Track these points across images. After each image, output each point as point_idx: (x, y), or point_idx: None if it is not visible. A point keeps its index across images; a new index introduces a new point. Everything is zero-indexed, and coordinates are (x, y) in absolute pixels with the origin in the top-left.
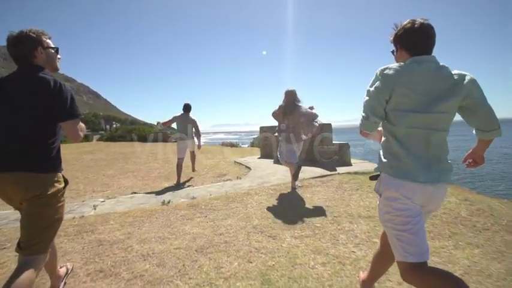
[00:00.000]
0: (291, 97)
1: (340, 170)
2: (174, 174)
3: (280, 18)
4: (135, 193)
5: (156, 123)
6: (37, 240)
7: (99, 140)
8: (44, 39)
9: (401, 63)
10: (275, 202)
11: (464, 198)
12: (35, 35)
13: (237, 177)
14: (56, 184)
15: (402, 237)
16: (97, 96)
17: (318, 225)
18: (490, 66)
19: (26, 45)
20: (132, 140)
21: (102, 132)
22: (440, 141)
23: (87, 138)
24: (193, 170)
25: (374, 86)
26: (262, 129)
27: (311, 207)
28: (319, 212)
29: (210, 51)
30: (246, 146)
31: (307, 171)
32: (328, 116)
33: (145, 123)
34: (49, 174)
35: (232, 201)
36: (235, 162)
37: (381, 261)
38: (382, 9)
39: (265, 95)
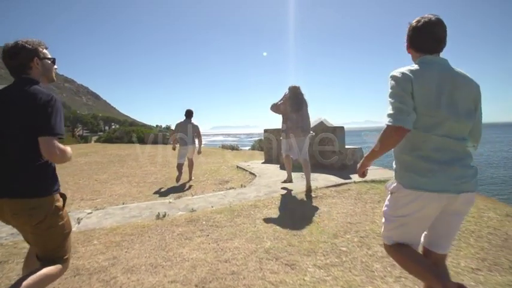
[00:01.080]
0: (297, 91)
1: (355, 177)
2: (171, 181)
3: (281, 19)
4: (127, 204)
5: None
6: (54, 255)
7: (96, 141)
8: (41, 49)
9: (412, 66)
10: (288, 217)
11: (505, 214)
12: (31, 46)
13: (241, 185)
14: (56, 204)
15: (393, 229)
16: (96, 97)
17: (344, 249)
18: (491, 69)
19: (21, 56)
20: (130, 141)
21: (101, 133)
22: (461, 148)
23: (85, 140)
24: (190, 178)
25: (393, 87)
26: (267, 131)
27: (331, 225)
28: (341, 230)
29: (210, 52)
30: (247, 148)
31: (319, 179)
32: (327, 118)
33: (144, 125)
34: (47, 198)
35: (237, 216)
36: (237, 167)
37: None
38: (385, 10)
39: (265, 96)
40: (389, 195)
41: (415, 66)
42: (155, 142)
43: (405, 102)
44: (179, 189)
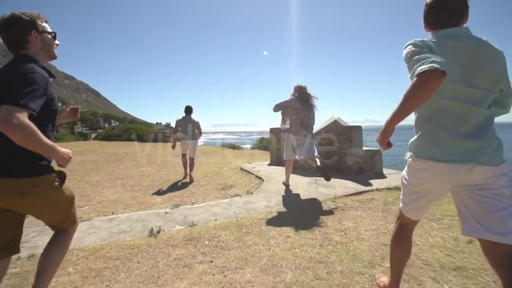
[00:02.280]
0: (304, 91)
1: (376, 184)
2: (169, 184)
3: (281, 18)
4: (116, 214)
5: (156, 123)
6: (60, 222)
7: (95, 139)
8: (39, 22)
9: (431, 38)
10: (308, 235)
11: None
12: (28, 18)
13: (248, 192)
14: (53, 183)
15: (406, 195)
16: (96, 94)
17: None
18: None
19: (18, 29)
20: (129, 139)
21: (101, 130)
22: (482, 118)
23: (85, 137)
24: (191, 180)
25: (412, 49)
26: (273, 131)
27: (363, 247)
28: (377, 255)
29: (210, 50)
30: (248, 147)
31: (336, 186)
32: (326, 117)
33: (144, 122)
34: (44, 176)
35: (246, 233)
36: (241, 169)
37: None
38: (385, 10)
39: (265, 95)
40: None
41: (433, 38)
42: (155, 140)
43: (430, 53)
44: (177, 194)
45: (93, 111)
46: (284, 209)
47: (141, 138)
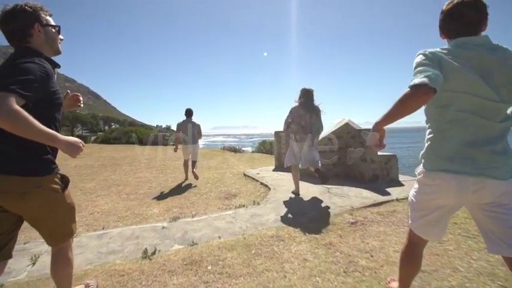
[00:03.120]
0: (309, 95)
1: (394, 193)
2: (168, 191)
3: (282, 19)
4: (108, 228)
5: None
6: (57, 233)
7: (94, 142)
8: (43, 15)
9: (441, 48)
10: (329, 258)
11: None
12: (31, 10)
13: (254, 202)
14: (52, 186)
15: (414, 211)
16: (97, 97)
17: None
18: None
19: (20, 21)
20: (128, 142)
21: (101, 133)
22: (495, 130)
23: (85, 140)
24: (196, 177)
25: (419, 60)
26: (278, 134)
27: (394, 275)
28: (415, 286)
29: (210, 52)
30: (249, 150)
31: (351, 195)
32: (328, 119)
33: (144, 125)
34: (31, 178)
35: (256, 255)
36: (245, 175)
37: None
38: (385, 11)
39: (265, 97)
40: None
41: (446, 47)
42: (155, 143)
43: (432, 67)
44: (176, 204)
45: (93, 113)
46: (297, 224)
47: (141, 141)
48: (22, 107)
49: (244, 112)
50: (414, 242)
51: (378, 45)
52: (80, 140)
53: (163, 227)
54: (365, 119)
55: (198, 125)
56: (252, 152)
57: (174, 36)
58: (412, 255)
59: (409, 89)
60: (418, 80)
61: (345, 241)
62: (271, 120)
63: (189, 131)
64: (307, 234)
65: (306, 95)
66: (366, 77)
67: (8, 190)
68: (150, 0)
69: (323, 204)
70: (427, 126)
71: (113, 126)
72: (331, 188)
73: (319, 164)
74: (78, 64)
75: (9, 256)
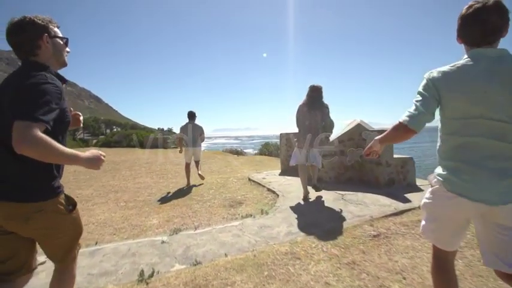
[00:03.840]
0: (317, 93)
1: (414, 199)
2: (169, 198)
3: (281, 20)
4: (101, 244)
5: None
6: (60, 255)
7: (94, 145)
8: (52, 27)
9: (452, 65)
10: (355, 282)
11: None
12: (40, 22)
13: (262, 211)
14: (58, 206)
15: (428, 219)
16: (98, 100)
17: None
18: None
19: (29, 33)
20: (129, 145)
21: (102, 136)
22: (508, 153)
23: (86, 143)
24: (202, 177)
25: (420, 87)
26: (283, 136)
27: None
28: None
29: (210, 54)
30: (251, 151)
31: (368, 203)
32: (348, 119)
33: (145, 128)
34: (49, 201)
35: (269, 277)
36: (250, 180)
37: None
38: (384, 12)
39: (266, 98)
40: (430, 188)
41: (455, 66)
42: (155, 146)
43: (422, 104)
44: (178, 213)
45: (94, 117)
46: (312, 237)
47: (141, 144)
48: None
49: (245, 114)
50: (438, 256)
51: (378, 44)
52: (100, 152)
53: (162, 242)
54: (369, 119)
55: (201, 127)
56: (255, 154)
57: (175, 39)
58: (442, 271)
59: (398, 122)
60: (403, 117)
61: (370, 259)
62: (272, 121)
63: (189, 133)
64: (325, 250)
65: (312, 92)
66: (364, 78)
67: (13, 217)
68: (151, 3)
69: (339, 214)
70: (440, 144)
71: (115, 130)
72: (345, 195)
73: (320, 165)
74: (79, 68)
75: (31, 269)
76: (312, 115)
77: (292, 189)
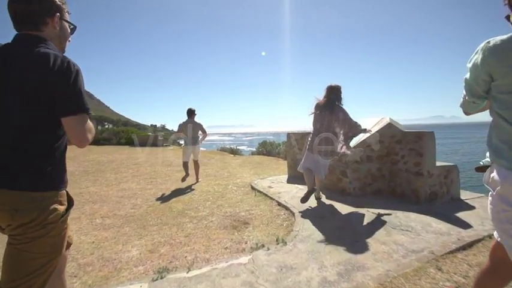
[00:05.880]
0: (330, 93)
1: (473, 221)
2: (156, 211)
3: (278, 17)
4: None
5: (150, 125)
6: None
7: None
8: (65, 10)
9: (509, 34)
10: None
11: None
12: (57, 1)
13: (277, 239)
14: (55, 206)
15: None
16: (90, 96)
17: None
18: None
19: (43, 5)
20: (119, 143)
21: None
22: None
23: None
24: (197, 180)
25: (472, 62)
26: (290, 136)
27: None
28: None
29: (205, 51)
30: (245, 148)
31: (419, 230)
32: (374, 117)
33: (138, 124)
34: (46, 193)
35: None
36: (253, 188)
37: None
38: (382, 10)
39: (260, 95)
40: (493, 193)
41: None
42: (143, 145)
43: (472, 88)
44: (166, 237)
45: None
46: None
47: (132, 143)
48: None
49: (239, 111)
50: (500, 257)
51: (377, 43)
52: None
53: (151, 278)
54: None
55: (200, 124)
56: (252, 153)
57: (169, 35)
58: (501, 270)
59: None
60: (461, 104)
61: None
62: (267, 119)
63: (189, 131)
64: None
65: (326, 92)
66: (363, 76)
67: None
68: None
69: (384, 246)
70: (494, 119)
71: (106, 126)
72: (382, 215)
73: (322, 177)
74: None
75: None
76: (324, 119)
77: (310, 203)
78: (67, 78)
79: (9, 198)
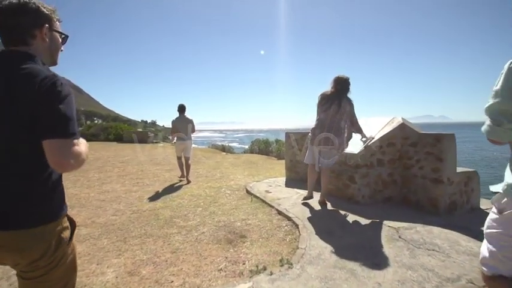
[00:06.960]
0: (340, 85)
1: None
2: (140, 220)
3: (274, 16)
4: None
5: (140, 121)
6: None
7: None
8: (55, 19)
9: None
10: None
11: None
12: (45, 10)
13: (281, 260)
14: (61, 235)
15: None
16: (79, 91)
17: None
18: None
19: (29, 18)
20: (107, 139)
21: (81, 128)
22: None
23: None
24: (188, 181)
25: (503, 84)
26: (290, 136)
27: None
28: None
29: (197, 47)
30: (237, 145)
31: (447, 249)
32: (385, 117)
33: (128, 120)
34: (49, 225)
35: None
36: (249, 193)
37: None
38: (380, 9)
39: (252, 93)
40: (498, 214)
41: None
42: (130, 141)
43: (509, 112)
44: (149, 253)
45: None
46: None
47: (120, 139)
48: None
49: (230, 108)
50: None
51: (369, 42)
52: None
53: None
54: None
55: (191, 120)
56: (244, 151)
57: (162, 31)
58: None
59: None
60: (490, 132)
61: None
62: (257, 115)
63: (183, 127)
64: None
65: (334, 83)
66: (362, 76)
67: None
68: None
69: (411, 272)
70: None
71: (96, 121)
72: (399, 228)
73: (330, 164)
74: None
75: None
76: (328, 111)
77: (316, 213)
78: (50, 99)
79: (11, 239)
